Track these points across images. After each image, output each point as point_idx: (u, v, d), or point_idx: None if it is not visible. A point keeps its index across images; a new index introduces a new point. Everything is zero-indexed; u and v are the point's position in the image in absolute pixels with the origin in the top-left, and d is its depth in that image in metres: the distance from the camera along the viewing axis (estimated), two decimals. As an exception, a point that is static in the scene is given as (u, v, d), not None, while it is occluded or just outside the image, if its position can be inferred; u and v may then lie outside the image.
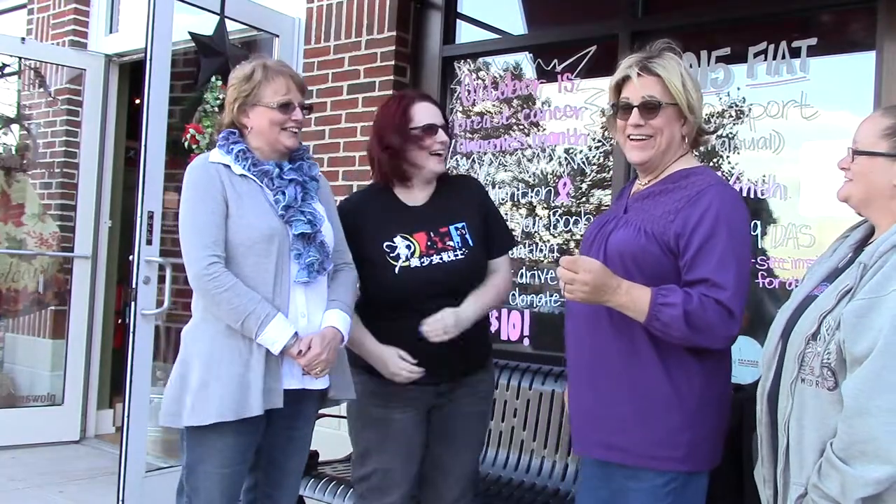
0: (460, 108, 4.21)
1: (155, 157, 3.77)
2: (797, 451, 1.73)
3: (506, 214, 3.85)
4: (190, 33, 4.01)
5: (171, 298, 3.81)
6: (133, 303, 3.69)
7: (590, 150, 3.76)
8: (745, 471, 2.11)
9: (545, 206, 3.88)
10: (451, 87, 4.23)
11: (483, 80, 4.16)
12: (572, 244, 3.77)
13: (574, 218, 3.78)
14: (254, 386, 2.24)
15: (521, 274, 3.84)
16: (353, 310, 2.47)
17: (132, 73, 5.47)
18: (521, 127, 4.01)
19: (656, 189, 2.08)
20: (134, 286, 3.71)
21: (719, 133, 3.36)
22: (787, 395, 1.76)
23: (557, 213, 3.83)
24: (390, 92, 4.01)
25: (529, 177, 3.96)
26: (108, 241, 5.50)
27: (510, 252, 2.68)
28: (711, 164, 3.36)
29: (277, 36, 4.49)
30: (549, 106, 3.92)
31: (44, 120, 5.76)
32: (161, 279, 3.81)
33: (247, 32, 4.53)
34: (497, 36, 4.19)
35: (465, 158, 4.17)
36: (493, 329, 3.80)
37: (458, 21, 4.26)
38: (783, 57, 3.19)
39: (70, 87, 5.58)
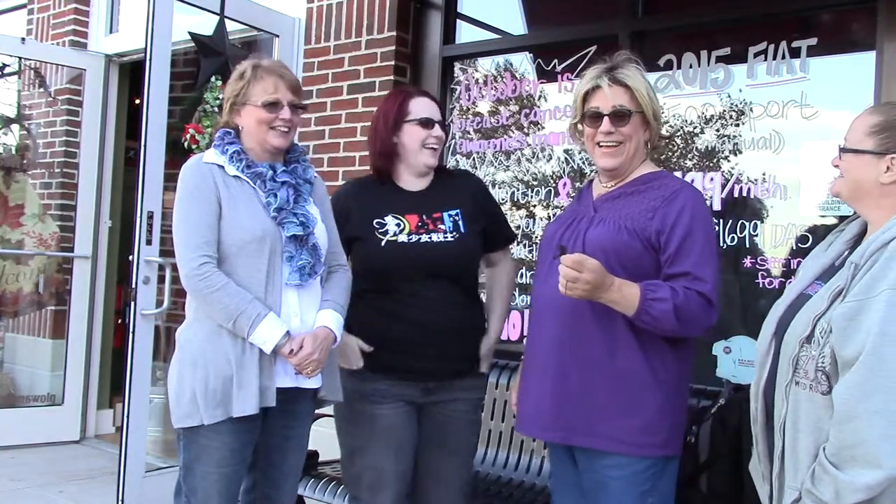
0: (460, 108, 4.21)
1: (155, 157, 3.77)
2: (792, 455, 1.73)
3: (505, 214, 3.84)
4: (190, 33, 4.02)
5: (171, 298, 3.81)
6: (133, 303, 3.70)
7: (590, 150, 3.76)
8: (744, 469, 2.11)
9: (545, 206, 3.88)
10: (451, 87, 4.23)
11: (483, 81, 4.16)
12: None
13: (574, 218, 3.77)
14: (248, 385, 2.23)
15: (522, 274, 3.84)
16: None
17: (132, 73, 5.46)
18: (521, 127, 4.01)
19: (627, 190, 2.18)
20: (134, 286, 3.72)
21: (720, 133, 3.37)
22: (782, 398, 1.76)
23: (557, 213, 3.82)
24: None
25: (529, 177, 3.96)
26: (108, 241, 5.49)
27: (511, 246, 2.71)
28: (712, 164, 3.37)
29: (277, 36, 4.49)
30: (549, 106, 3.92)
31: (44, 120, 5.76)
32: (161, 279, 3.82)
33: (247, 32, 4.53)
34: (497, 36, 4.19)
35: (465, 158, 4.16)
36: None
37: (458, 21, 4.26)
38: (783, 57, 3.19)
39: (70, 87, 5.57)
